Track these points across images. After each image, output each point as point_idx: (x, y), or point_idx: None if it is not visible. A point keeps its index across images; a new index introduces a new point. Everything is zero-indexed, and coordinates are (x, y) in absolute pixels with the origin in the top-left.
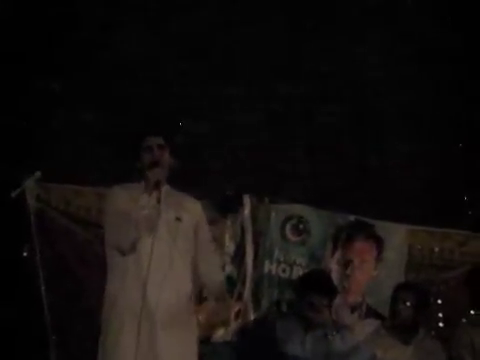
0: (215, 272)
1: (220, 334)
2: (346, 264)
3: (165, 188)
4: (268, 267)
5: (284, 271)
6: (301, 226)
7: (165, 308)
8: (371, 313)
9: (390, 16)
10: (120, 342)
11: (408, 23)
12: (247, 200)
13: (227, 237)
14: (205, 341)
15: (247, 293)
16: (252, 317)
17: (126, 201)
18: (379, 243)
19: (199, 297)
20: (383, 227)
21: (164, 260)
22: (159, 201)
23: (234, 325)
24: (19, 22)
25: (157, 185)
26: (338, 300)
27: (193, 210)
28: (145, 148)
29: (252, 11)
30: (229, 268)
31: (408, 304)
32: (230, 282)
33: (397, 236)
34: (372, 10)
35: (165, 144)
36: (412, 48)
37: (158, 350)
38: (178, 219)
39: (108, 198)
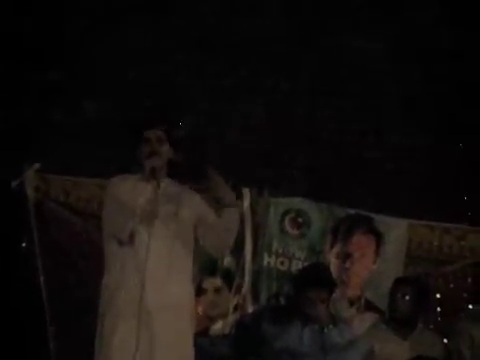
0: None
1: (218, 327)
2: (345, 257)
3: (166, 181)
4: (267, 260)
5: (283, 264)
6: (300, 219)
7: (163, 300)
8: (370, 307)
9: (392, 10)
10: (118, 334)
11: (410, 18)
12: (246, 193)
13: None
14: (203, 333)
15: (246, 286)
16: (250, 310)
17: (125, 191)
18: (378, 237)
19: (198, 289)
20: (382, 221)
21: (162, 252)
22: (157, 191)
23: (232, 318)
24: (18, 13)
25: (153, 173)
26: (337, 294)
27: (193, 202)
28: (144, 140)
29: (254, 3)
30: (228, 261)
31: (407, 298)
32: (229, 275)
33: (396, 230)
34: (374, 3)
35: (164, 136)
36: (414, 43)
37: (155, 341)
38: (177, 212)
39: (107, 188)
